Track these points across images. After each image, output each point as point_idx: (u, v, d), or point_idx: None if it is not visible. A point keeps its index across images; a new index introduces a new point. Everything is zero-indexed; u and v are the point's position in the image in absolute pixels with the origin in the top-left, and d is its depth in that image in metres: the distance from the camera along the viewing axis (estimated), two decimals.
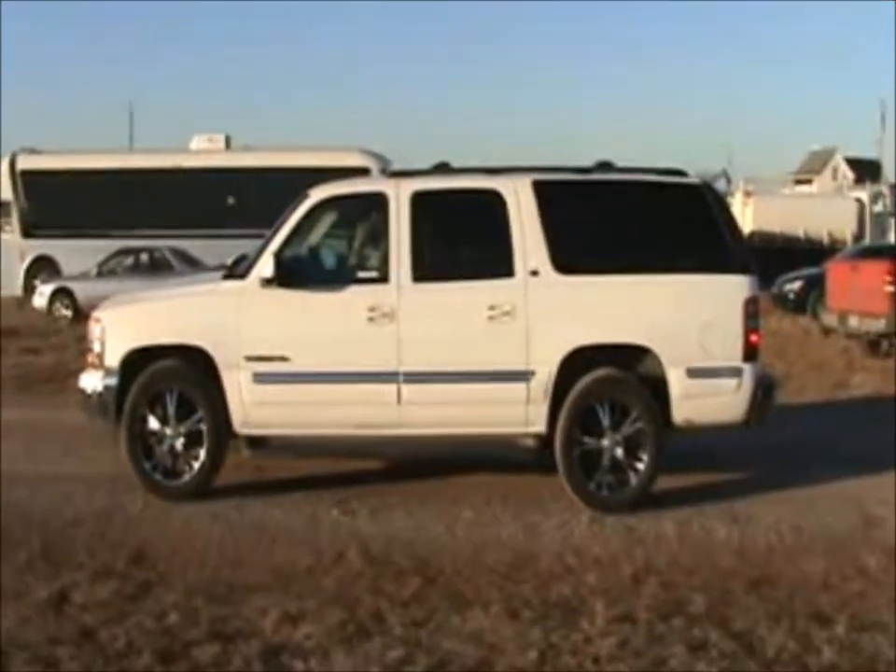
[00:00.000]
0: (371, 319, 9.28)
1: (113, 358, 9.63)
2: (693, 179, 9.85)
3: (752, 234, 35.35)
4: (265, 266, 9.40)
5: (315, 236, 9.99)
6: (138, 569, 7.60)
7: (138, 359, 9.60)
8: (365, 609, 6.86)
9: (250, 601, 6.97)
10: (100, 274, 26.68)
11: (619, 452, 9.22)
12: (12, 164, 29.70)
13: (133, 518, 8.98)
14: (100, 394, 9.69)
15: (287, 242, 9.59)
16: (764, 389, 9.44)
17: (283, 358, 9.36)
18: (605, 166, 9.93)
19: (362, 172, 28.54)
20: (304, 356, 9.38)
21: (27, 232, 29.48)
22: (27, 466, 10.69)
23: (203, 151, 32.03)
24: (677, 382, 9.23)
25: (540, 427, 9.33)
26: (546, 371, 9.23)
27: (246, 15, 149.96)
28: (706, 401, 9.31)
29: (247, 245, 28.33)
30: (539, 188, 9.48)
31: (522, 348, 9.24)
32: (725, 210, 9.84)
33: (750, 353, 9.35)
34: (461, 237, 9.89)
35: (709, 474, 10.33)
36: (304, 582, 7.37)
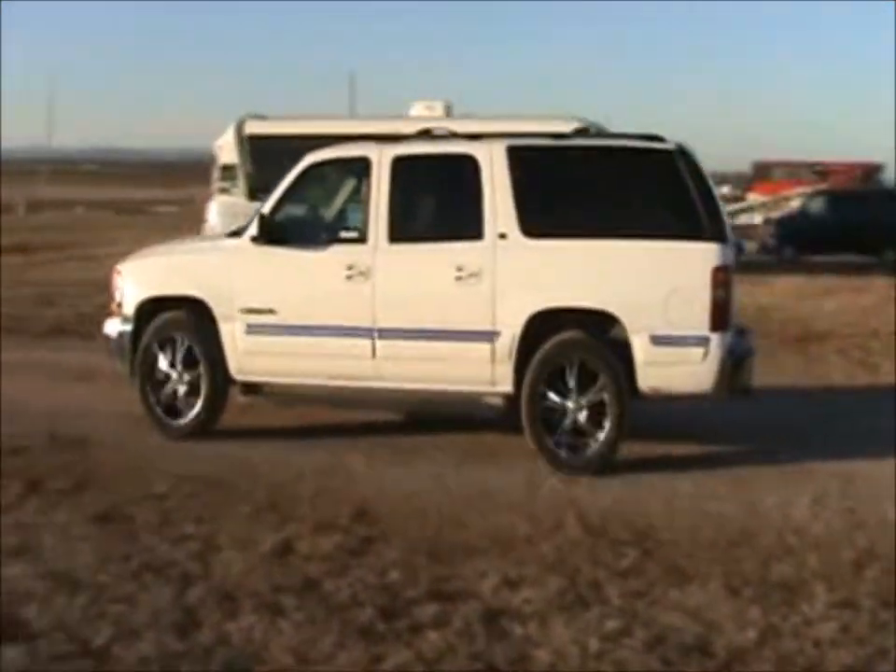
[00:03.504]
0: (349, 277, 9.75)
1: (129, 307, 10.55)
2: (666, 145, 9.60)
3: None
4: (252, 225, 10.06)
5: (308, 198, 10.67)
6: (360, 525, 7.75)
7: (151, 308, 10.43)
8: (583, 577, 6.84)
9: (470, 563, 7.03)
10: None
11: (581, 415, 9.31)
12: (240, 129, 30.35)
13: (354, 475, 9.14)
14: (118, 338, 10.61)
15: (280, 203, 10.19)
16: (735, 360, 9.29)
17: (271, 311, 9.99)
18: (582, 132, 9.99)
19: None
20: (289, 310, 9.98)
21: (252, 195, 30.09)
22: (249, 421, 11.00)
23: (423, 118, 32.15)
24: (640, 349, 9.20)
25: (506, 386, 9.52)
26: (510, 332, 9.40)
27: None
28: (671, 370, 9.26)
29: None
30: (512, 153, 9.61)
31: (488, 309, 9.45)
32: (700, 177, 9.43)
33: (719, 322, 9.16)
34: (437, 200, 10.25)
35: None
36: (523, 548, 7.38)
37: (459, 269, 9.50)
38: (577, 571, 6.95)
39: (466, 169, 9.67)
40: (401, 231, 9.79)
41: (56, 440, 10.05)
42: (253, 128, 33.68)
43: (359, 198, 10.31)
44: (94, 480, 8.84)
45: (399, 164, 9.85)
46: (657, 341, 9.18)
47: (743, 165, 60.58)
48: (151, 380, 10.36)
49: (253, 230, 10.07)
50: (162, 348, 10.32)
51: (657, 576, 6.92)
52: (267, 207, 10.16)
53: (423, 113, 32.57)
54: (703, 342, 9.13)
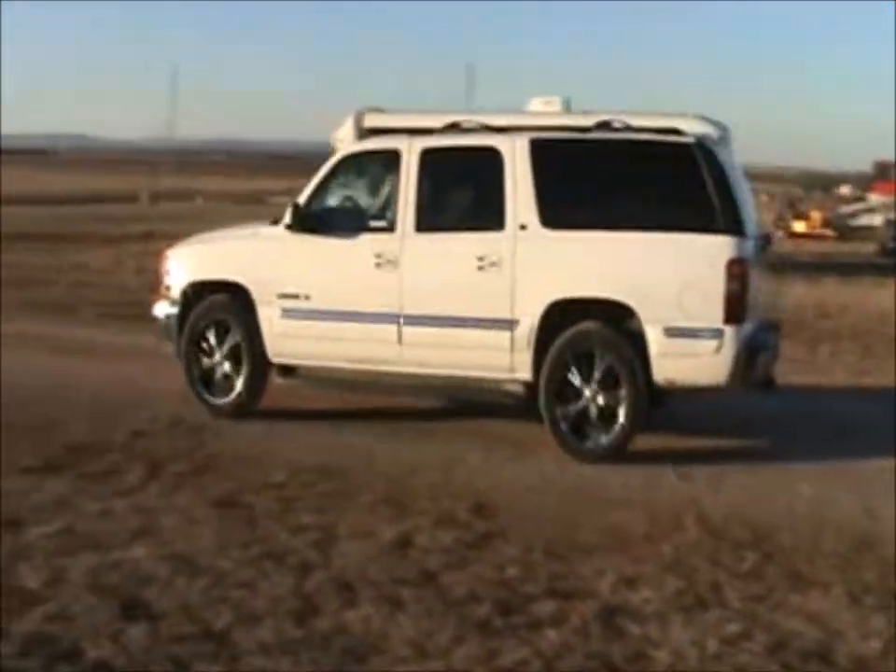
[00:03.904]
0: (377, 265, 10.07)
1: (176, 291, 11.02)
2: (685, 138, 9.63)
3: None
4: (287, 213, 10.47)
5: (343, 188, 10.81)
6: (478, 520, 7.74)
7: (196, 292, 10.88)
8: (702, 578, 6.76)
9: (587, 561, 6.98)
10: None
11: (597, 404, 9.43)
12: (358, 121, 30.37)
13: (472, 470, 9.14)
14: (166, 320, 11.08)
15: (315, 193, 10.54)
16: (749, 353, 9.31)
17: (305, 297, 10.38)
18: (604, 125, 9.95)
19: None
20: (321, 295, 10.35)
21: None
22: (365, 412, 11.09)
23: (541, 113, 32.07)
24: (654, 340, 9.28)
25: (525, 374, 9.70)
26: (528, 321, 9.59)
27: None
28: (685, 362, 9.34)
29: None
30: (535, 146, 9.85)
31: (507, 298, 9.67)
32: (718, 170, 9.46)
33: (733, 315, 9.19)
34: (463, 191, 10.52)
35: None
36: (641, 546, 7.32)
37: (481, 258, 9.74)
38: (695, 572, 6.88)
39: (490, 161, 9.92)
40: (428, 220, 10.07)
41: (177, 425, 10.25)
42: (371, 120, 33.78)
43: (391, 188, 10.51)
44: (214, 466, 8.98)
45: (427, 156, 10.16)
46: (671, 332, 9.25)
47: (865, 164, 59.42)
48: (196, 360, 10.79)
49: (287, 218, 10.48)
50: (206, 330, 10.77)
51: (778, 580, 6.81)
52: (303, 197, 10.52)
53: (541, 108, 32.51)
54: (717, 334, 9.19)
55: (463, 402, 11.00)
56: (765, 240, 10.30)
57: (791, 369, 12.03)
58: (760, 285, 9.78)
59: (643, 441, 9.64)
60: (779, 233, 45.20)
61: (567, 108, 32.28)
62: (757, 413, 9.74)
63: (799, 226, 45.28)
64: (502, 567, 6.84)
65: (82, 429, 10.04)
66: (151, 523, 7.47)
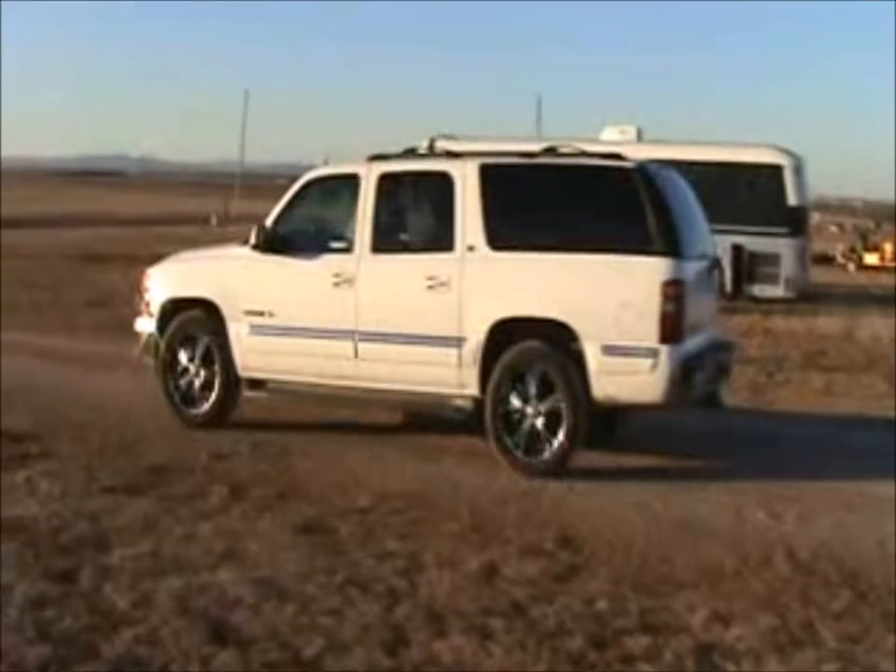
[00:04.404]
0: (335, 284, 10.50)
1: (156, 307, 11.52)
2: (626, 163, 10.00)
3: None
4: (252, 234, 10.97)
5: (308, 210, 11.24)
6: (564, 551, 7.62)
7: (173, 309, 11.39)
8: (795, 616, 6.61)
9: (677, 595, 6.85)
10: None
11: (539, 421, 9.69)
12: (431, 149, 30.54)
13: (556, 499, 9.02)
14: (147, 335, 11.57)
15: (281, 214, 11.05)
16: (685, 371, 9.50)
17: (270, 314, 10.82)
18: (550, 151, 10.48)
19: (774, 169, 27.87)
20: (285, 312, 10.79)
21: None
22: (450, 442, 10.94)
23: (615, 142, 32.00)
24: (593, 357, 9.53)
25: (473, 390, 10.01)
26: (476, 339, 9.91)
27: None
28: (623, 379, 9.57)
29: None
30: (484, 171, 10.20)
31: (455, 317, 10.00)
32: (658, 194, 9.75)
33: (668, 334, 9.42)
34: (416, 214, 10.97)
35: None
36: (731, 582, 7.17)
37: (431, 278, 10.10)
38: (788, 609, 6.72)
39: (442, 185, 10.30)
40: (383, 242, 10.51)
41: (258, 448, 10.25)
42: (444, 147, 34.02)
43: (350, 211, 10.79)
44: (297, 489, 8.94)
45: (384, 181, 10.59)
46: (609, 351, 9.50)
47: None
48: (172, 372, 11.28)
49: (253, 238, 10.97)
50: (182, 345, 11.28)
51: (873, 620, 6.62)
52: (269, 219, 11.02)
53: (615, 137, 32.42)
54: (652, 353, 9.42)
55: None
56: (715, 263, 10.84)
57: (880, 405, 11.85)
58: (703, 305, 10.34)
59: (727, 474, 9.47)
60: (850, 265, 44.90)
61: (640, 137, 32.09)
62: (847, 447, 9.60)
63: (871, 258, 44.88)
64: (591, 599, 6.72)
65: (164, 450, 10.09)
66: (236, 546, 7.43)
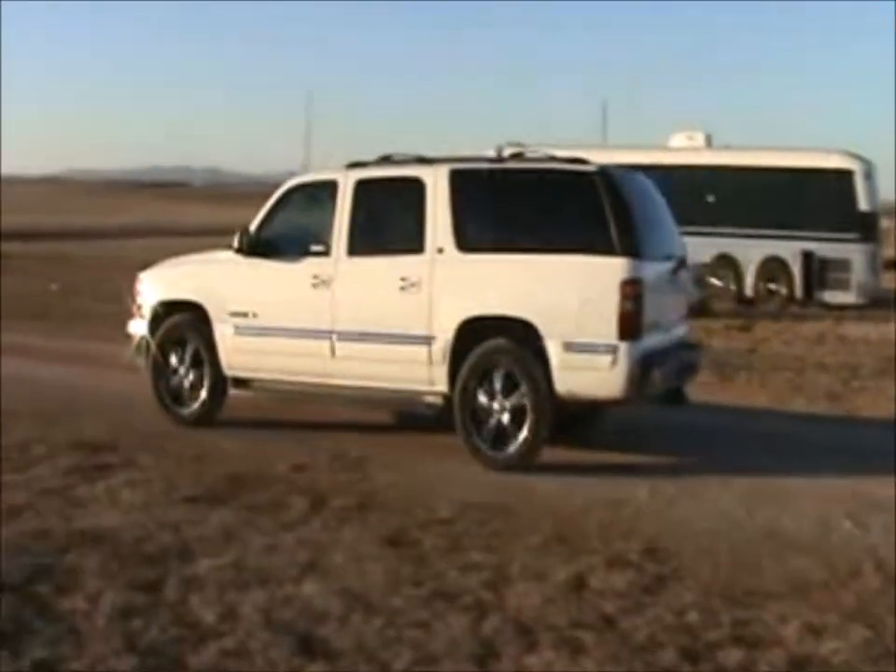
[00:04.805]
0: (314, 286, 10.96)
1: (147, 309, 12.03)
2: (588, 167, 10.33)
3: None
4: (235, 239, 11.48)
5: (289, 215, 11.60)
6: (651, 562, 7.51)
7: (163, 311, 11.88)
8: (889, 630, 6.45)
9: (768, 607, 6.73)
10: None
11: (505, 416, 10.07)
12: (499, 156, 30.39)
13: (640, 509, 8.93)
14: (139, 337, 12.03)
15: (265, 219, 11.53)
16: (644, 368, 9.80)
17: (253, 315, 11.31)
18: (517, 156, 10.89)
19: (844, 174, 27.59)
20: (267, 313, 11.26)
21: None
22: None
23: (683, 149, 31.77)
24: (555, 354, 9.86)
25: (442, 386, 10.41)
26: (444, 337, 10.31)
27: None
28: (583, 375, 9.87)
29: (726, 244, 28.38)
30: (454, 175, 10.63)
31: (425, 316, 10.42)
32: (618, 197, 10.07)
33: (627, 332, 9.73)
34: (389, 217, 11.29)
35: None
36: (821, 594, 7.03)
37: (403, 279, 10.53)
38: (881, 622, 6.57)
39: (414, 190, 10.71)
40: (358, 245, 10.92)
41: (338, 458, 10.23)
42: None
43: (329, 215, 11.17)
44: (378, 500, 8.89)
45: (360, 186, 11.04)
46: (570, 347, 9.84)
47: None
48: (162, 373, 11.76)
49: (236, 243, 11.48)
50: (172, 346, 11.77)
51: None
52: (253, 224, 11.52)
53: (684, 143, 32.23)
54: (612, 349, 9.73)
55: (624, 439, 11.07)
56: (680, 262, 11.18)
57: None
58: (668, 304, 10.82)
59: (811, 483, 9.35)
60: None
61: (710, 143, 31.81)
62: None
63: None
64: (682, 611, 6.61)
65: (241, 460, 10.11)
66: (320, 558, 7.38)
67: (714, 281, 26.93)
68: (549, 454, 10.36)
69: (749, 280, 28.63)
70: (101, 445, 10.53)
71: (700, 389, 14.69)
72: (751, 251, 28.54)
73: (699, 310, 25.43)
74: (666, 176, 30.11)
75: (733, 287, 28.57)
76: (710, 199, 29.81)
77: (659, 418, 12.10)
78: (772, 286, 28.52)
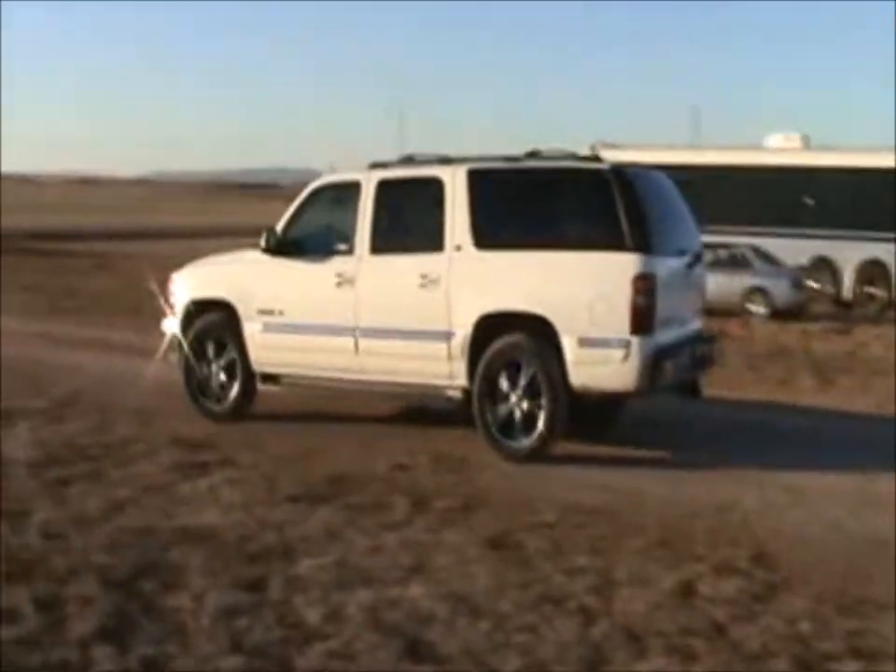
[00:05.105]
0: (338, 284, 11.20)
1: (179, 308, 12.32)
2: (601, 165, 10.51)
3: None
4: (262, 239, 11.71)
5: (314, 215, 11.84)
6: (760, 569, 7.34)
7: (195, 310, 12.19)
8: None
9: (882, 618, 6.53)
10: None
11: (521, 409, 10.29)
12: (594, 156, 30.22)
13: (748, 514, 8.73)
14: (172, 335, 12.36)
15: (291, 219, 11.76)
16: (656, 361, 9.93)
17: (280, 312, 11.58)
18: (533, 155, 10.91)
19: None
20: (293, 311, 11.53)
21: None
22: (630, 451, 10.75)
23: (780, 149, 31.43)
24: (570, 349, 10.06)
25: (462, 381, 10.63)
26: (462, 333, 10.53)
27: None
28: (597, 369, 10.05)
29: (824, 246, 28.01)
30: (472, 175, 10.84)
31: (444, 312, 10.63)
32: (631, 194, 10.17)
33: (639, 326, 9.89)
34: (410, 216, 11.47)
35: None
36: None
37: (423, 276, 10.73)
38: None
39: (434, 189, 10.92)
40: (381, 243, 11.14)
41: (439, 459, 10.20)
42: (605, 156, 33.66)
43: (352, 215, 11.38)
44: (480, 502, 8.80)
45: (382, 186, 11.26)
46: (584, 342, 10.02)
47: None
48: (194, 370, 12.05)
49: (263, 243, 11.71)
50: (203, 343, 12.05)
51: None
52: (280, 224, 11.75)
53: (781, 144, 31.90)
54: (624, 344, 9.90)
55: (730, 442, 11.04)
56: (695, 257, 11.38)
57: None
58: (682, 298, 10.99)
59: None
60: None
61: (807, 144, 31.40)
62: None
63: None
64: (794, 620, 6.44)
65: (342, 459, 10.12)
66: (424, 559, 7.32)
67: (812, 283, 26.53)
68: (651, 455, 10.31)
69: (847, 283, 28.25)
70: (201, 443, 10.63)
71: (801, 393, 14.57)
72: (849, 253, 28.18)
73: (797, 312, 25.21)
74: (763, 178, 30.12)
75: (830, 289, 28.17)
76: (808, 200, 29.47)
77: (767, 422, 11.93)
78: (870, 289, 28.10)
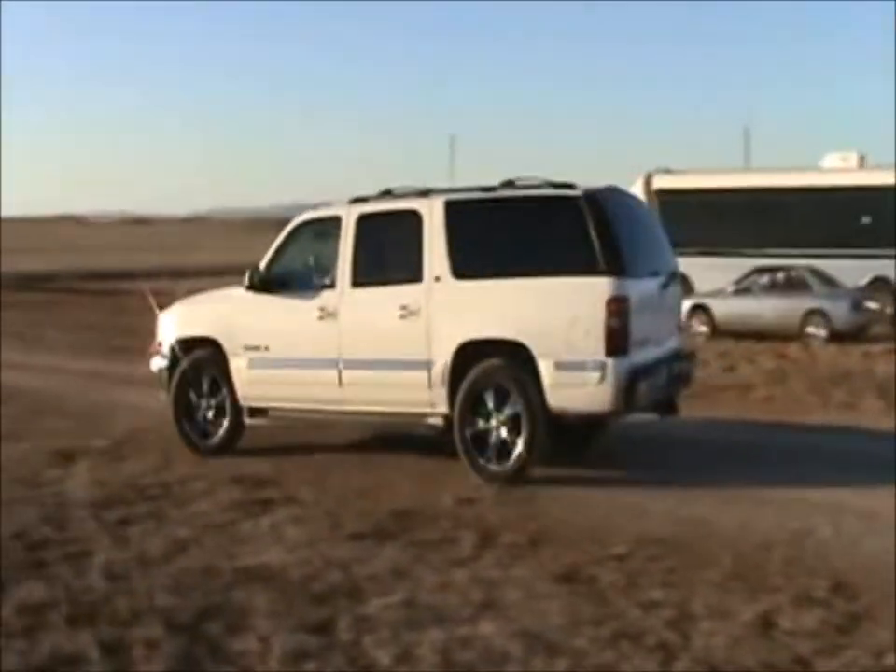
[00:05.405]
0: (321, 318, 11.38)
1: (166, 346, 12.51)
2: (574, 192, 10.57)
3: None
4: (246, 277, 11.95)
5: (297, 251, 12.08)
6: (840, 599, 7.12)
7: (182, 348, 12.34)
8: None
9: None
10: (736, 292, 26.17)
11: (500, 434, 10.44)
12: (647, 183, 30.15)
13: (824, 543, 8.50)
14: (159, 372, 12.58)
15: (274, 257, 11.99)
16: (631, 382, 10.06)
17: (265, 348, 11.75)
18: (509, 184, 10.98)
19: None
20: (278, 346, 11.71)
21: None
22: (693, 478, 10.55)
23: (836, 170, 31.09)
24: (546, 373, 10.22)
25: (443, 408, 10.79)
26: (442, 361, 10.69)
27: None
28: (573, 391, 10.20)
29: (882, 266, 27.62)
30: (448, 206, 11.01)
31: (424, 342, 10.80)
32: (603, 219, 10.30)
33: (614, 348, 10.05)
34: (389, 249, 11.68)
35: None
36: None
37: (403, 307, 10.92)
38: None
39: (412, 222, 11.07)
40: (362, 276, 11.35)
41: (503, 492, 10.06)
42: (661, 182, 33.41)
43: (333, 250, 11.57)
44: (548, 536, 8.65)
45: (362, 220, 11.44)
46: (560, 366, 10.18)
47: None
48: (184, 406, 12.19)
49: (247, 280, 11.92)
50: (191, 381, 12.20)
51: None
52: (263, 261, 11.96)
53: (837, 164, 31.53)
54: (600, 366, 10.05)
55: (802, 469, 10.86)
56: (669, 277, 11.56)
57: None
58: (657, 318, 11.12)
59: None
60: None
61: (863, 164, 31.05)
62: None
63: None
64: (880, 652, 6.24)
65: (405, 494, 10.01)
66: (494, 596, 7.17)
67: (870, 304, 26.15)
68: (721, 487, 10.11)
69: None
70: (262, 480, 10.58)
71: (867, 416, 14.28)
72: None
73: (857, 334, 24.85)
74: (819, 198, 29.78)
75: (890, 310, 27.75)
76: (865, 220, 29.10)
77: (832, 446, 11.68)
78: None
